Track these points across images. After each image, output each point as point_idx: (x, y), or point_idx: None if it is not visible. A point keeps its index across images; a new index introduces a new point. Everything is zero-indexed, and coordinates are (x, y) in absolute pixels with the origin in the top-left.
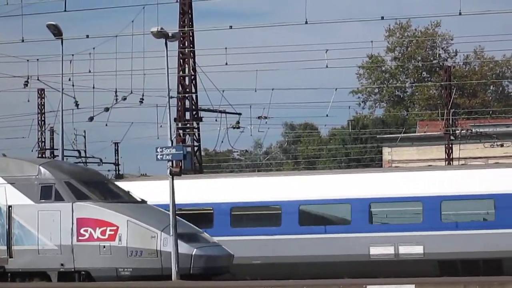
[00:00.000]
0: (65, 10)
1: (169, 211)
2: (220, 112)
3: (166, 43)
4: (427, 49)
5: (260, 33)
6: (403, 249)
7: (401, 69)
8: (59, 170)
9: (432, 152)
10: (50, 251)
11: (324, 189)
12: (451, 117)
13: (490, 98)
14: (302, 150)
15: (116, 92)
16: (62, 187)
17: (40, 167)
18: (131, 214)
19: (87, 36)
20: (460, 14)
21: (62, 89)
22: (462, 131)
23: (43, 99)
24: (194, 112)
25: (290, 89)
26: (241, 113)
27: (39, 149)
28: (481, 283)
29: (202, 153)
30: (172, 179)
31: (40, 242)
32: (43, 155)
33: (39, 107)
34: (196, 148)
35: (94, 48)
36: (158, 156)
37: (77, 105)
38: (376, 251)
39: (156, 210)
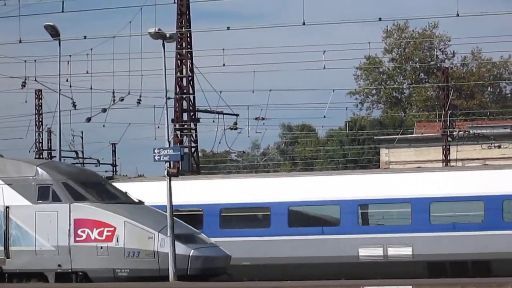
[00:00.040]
0: (62, 11)
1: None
2: (218, 113)
3: (163, 44)
4: (425, 51)
5: (257, 34)
6: (392, 251)
7: (398, 70)
8: (56, 171)
9: (430, 154)
10: (47, 252)
11: (313, 190)
12: (448, 118)
13: (488, 99)
14: (300, 151)
15: (113, 93)
16: (59, 188)
17: (38, 168)
18: (128, 215)
19: (85, 37)
20: (457, 15)
21: (60, 90)
22: (460, 133)
23: (40, 100)
24: (192, 113)
25: (288, 90)
26: (238, 114)
27: (36, 150)
28: (478, 285)
29: (200, 154)
30: (170, 180)
31: (38, 243)
32: (41, 156)
33: (37, 107)
34: (193, 149)
35: (91, 49)
36: (156, 157)
37: (74, 106)
38: (365, 252)
39: (154, 211)
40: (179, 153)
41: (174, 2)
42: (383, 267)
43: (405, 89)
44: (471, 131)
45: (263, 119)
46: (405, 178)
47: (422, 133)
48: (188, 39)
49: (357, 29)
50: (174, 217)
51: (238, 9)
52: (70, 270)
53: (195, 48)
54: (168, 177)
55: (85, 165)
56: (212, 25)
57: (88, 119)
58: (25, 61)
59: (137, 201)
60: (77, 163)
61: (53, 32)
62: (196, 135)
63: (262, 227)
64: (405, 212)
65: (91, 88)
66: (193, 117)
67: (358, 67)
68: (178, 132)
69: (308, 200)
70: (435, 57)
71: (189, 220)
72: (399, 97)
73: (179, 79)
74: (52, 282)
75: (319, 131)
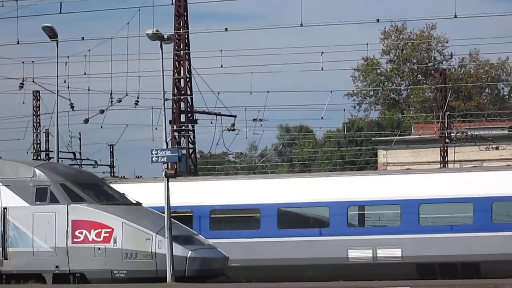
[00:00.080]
0: (60, 12)
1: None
2: (215, 114)
3: (161, 45)
4: (423, 52)
5: (255, 36)
6: (381, 252)
7: (396, 72)
8: (54, 172)
9: (427, 155)
10: (45, 253)
11: (302, 192)
12: (446, 119)
13: (485, 101)
14: (297, 152)
15: (111, 94)
16: (57, 189)
17: (35, 169)
18: (126, 216)
19: (83, 38)
20: (455, 16)
21: (57, 91)
22: (457, 134)
23: (38, 101)
24: (189, 114)
25: (286, 92)
26: (236, 115)
27: (34, 151)
28: (476, 286)
29: (197, 156)
30: (167, 181)
31: (35, 244)
32: (38, 157)
33: (34, 109)
34: (191, 151)
35: (89, 50)
36: (153, 158)
37: (72, 107)
38: (354, 254)
39: (151, 212)
40: (177, 154)
41: (172, 3)
42: (372, 268)
43: (403, 90)
44: (468, 133)
45: (260, 120)
46: (394, 180)
47: (420, 135)
48: (186, 40)
49: (354, 31)
50: (171, 219)
51: (236, 10)
52: (67, 271)
53: (193, 49)
54: (166, 179)
55: (82, 166)
56: (210, 26)
57: (86, 120)
58: (23, 62)
59: (134, 202)
60: (74, 165)
61: (51, 33)
62: (193, 137)
63: (252, 228)
64: (394, 213)
65: (88, 89)
66: (190, 118)
67: (356, 68)
68: (176, 134)
69: (298, 201)
70: (433, 59)
71: (179, 222)
72: (396, 99)
73: (177, 80)
74: (50, 283)
75: (317, 133)
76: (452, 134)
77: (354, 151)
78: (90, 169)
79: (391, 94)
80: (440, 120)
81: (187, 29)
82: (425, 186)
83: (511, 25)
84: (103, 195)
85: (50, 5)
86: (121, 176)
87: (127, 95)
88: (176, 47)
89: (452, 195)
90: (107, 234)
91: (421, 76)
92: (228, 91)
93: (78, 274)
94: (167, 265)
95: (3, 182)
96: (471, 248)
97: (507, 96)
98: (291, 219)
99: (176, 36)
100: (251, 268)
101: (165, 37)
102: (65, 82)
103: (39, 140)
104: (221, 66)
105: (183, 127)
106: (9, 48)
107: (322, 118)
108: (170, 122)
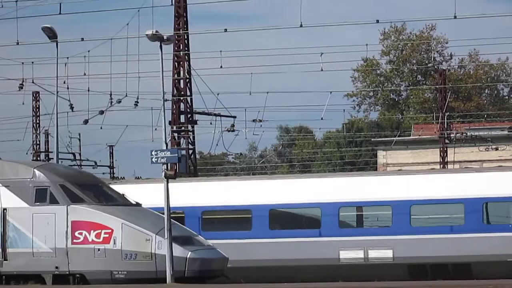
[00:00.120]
0: (60, 13)
1: None
2: (215, 115)
3: (161, 46)
4: (422, 53)
5: (255, 36)
6: (373, 253)
7: (396, 73)
8: (54, 173)
9: (427, 156)
10: (44, 254)
11: (294, 193)
12: (446, 120)
13: (485, 101)
14: (297, 153)
15: (111, 95)
16: (56, 190)
17: (35, 170)
18: (125, 217)
19: (82, 39)
20: (455, 17)
21: (57, 92)
22: (457, 135)
23: (38, 102)
24: (189, 115)
25: (285, 92)
26: (236, 116)
27: (33, 151)
28: (476, 286)
29: (197, 156)
30: (167, 182)
31: (35, 245)
32: (38, 158)
33: (34, 109)
34: (190, 151)
35: (89, 51)
36: (153, 159)
37: (72, 108)
38: (346, 255)
39: (151, 213)
40: (176, 155)
41: (172, 4)
42: (363, 269)
43: (403, 91)
44: (468, 133)
45: (260, 121)
46: (386, 181)
47: (419, 135)
48: (186, 41)
49: (354, 31)
50: (171, 219)
51: (236, 11)
52: (67, 272)
53: (192, 50)
54: (166, 179)
55: (82, 167)
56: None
57: (86, 121)
58: (23, 63)
59: (134, 203)
60: (74, 165)
61: (51, 34)
62: (193, 137)
63: (244, 229)
64: (385, 214)
65: (88, 90)
66: (190, 119)
67: (355, 69)
68: (176, 134)
69: (289, 202)
70: (432, 59)
71: None
72: (396, 99)
73: (176, 81)
74: (50, 284)
75: (317, 133)
76: (451, 135)
77: (353, 151)
78: (89, 170)
79: (391, 94)
80: (439, 120)
81: (187, 29)
82: (416, 187)
83: (510, 25)
84: (102, 195)
85: (50, 6)
86: (121, 177)
87: (126, 96)
88: (176, 48)
89: (443, 196)
90: (107, 235)
91: (420, 76)
92: (227, 92)
93: (77, 275)
94: (167, 265)
95: (3, 183)
96: (463, 249)
97: (506, 97)
98: (283, 220)
99: (176, 37)
100: (243, 269)
101: (165, 37)
102: (64, 83)
103: (39, 141)
104: (221, 66)
105: (183, 128)
106: (8, 49)
107: (321, 118)
108: (170, 123)
